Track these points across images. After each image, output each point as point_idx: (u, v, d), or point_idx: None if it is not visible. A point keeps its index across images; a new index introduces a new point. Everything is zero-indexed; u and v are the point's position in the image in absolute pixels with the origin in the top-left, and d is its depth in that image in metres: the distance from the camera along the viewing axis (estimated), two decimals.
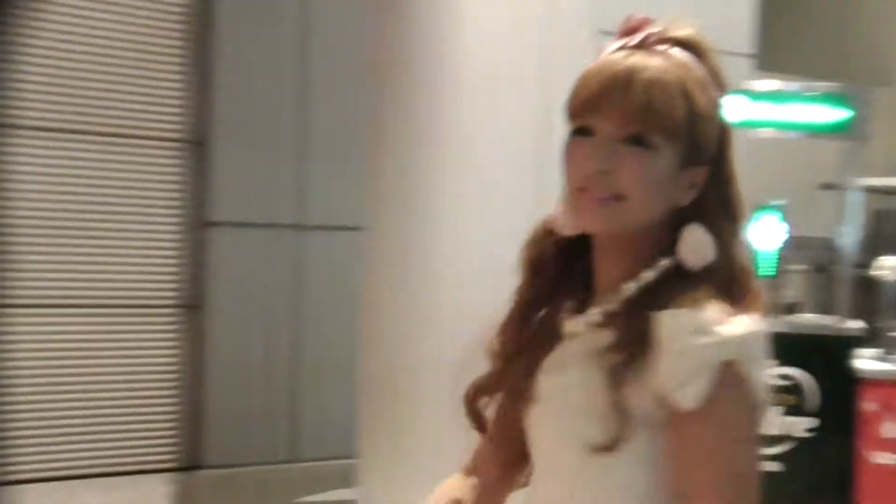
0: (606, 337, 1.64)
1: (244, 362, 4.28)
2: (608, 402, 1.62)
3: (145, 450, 4.43)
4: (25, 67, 4.09)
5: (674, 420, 1.53)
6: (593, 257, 1.64)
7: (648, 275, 1.61)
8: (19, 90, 4.08)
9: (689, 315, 1.55)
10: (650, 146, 1.60)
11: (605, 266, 1.64)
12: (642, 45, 1.62)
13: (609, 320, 1.62)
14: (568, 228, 1.64)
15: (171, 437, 4.50)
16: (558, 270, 1.68)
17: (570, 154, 1.59)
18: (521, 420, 1.65)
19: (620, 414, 1.59)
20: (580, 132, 1.59)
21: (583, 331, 1.65)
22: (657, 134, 1.60)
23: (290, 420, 4.37)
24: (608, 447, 1.61)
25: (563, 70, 3.87)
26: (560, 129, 4.00)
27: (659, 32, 1.63)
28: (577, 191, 1.59)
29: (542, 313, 1.68)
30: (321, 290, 4.46)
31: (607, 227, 1.60)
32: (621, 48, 1.61)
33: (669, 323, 1.55)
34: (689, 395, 1.50)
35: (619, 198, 1.58)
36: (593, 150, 1.59)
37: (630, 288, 1.62)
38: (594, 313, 1.63)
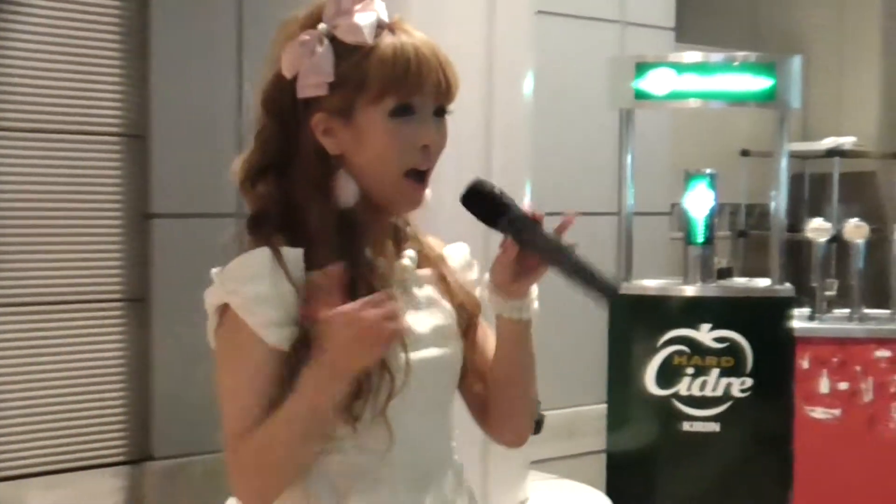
0: (435, 277, 1.90)
1: (190, 353, 4.24)
2: (455, 332, 1.90)
3: (94, 444, 4.36)
4: None
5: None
6: (362, 212, 1.78)
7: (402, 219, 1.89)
8: None
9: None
10: (446, 113, 1.80)
11: (379, 217, 1.82)
12: (393, 26, 1.77)
13: (425, 262, 1.89)
14: (349, 199, 1.77)
15: (119, 430, 4.44)
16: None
17: (395, 133, 1.73)
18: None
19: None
20: (403, 111, 1.73)
21: (412, 271, 1.86)
22: (452, 102, 1.80)
23: None
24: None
25: (507, 54, 4.02)
26: (506, 123, 4.08)
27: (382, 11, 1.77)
28: (406, 174, 1.76)
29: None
30: None
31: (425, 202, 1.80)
32: (383, 25, 1.75)
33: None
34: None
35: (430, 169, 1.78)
36: (423, 127, 1.76)
37: (413, 228, 1.90)
38: (412, 257, 1.87)
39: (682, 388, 4.88)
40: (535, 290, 1.85)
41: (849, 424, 4.88)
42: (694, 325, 4.88)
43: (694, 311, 4.91)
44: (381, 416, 1.74)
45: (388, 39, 1.73)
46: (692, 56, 5.08)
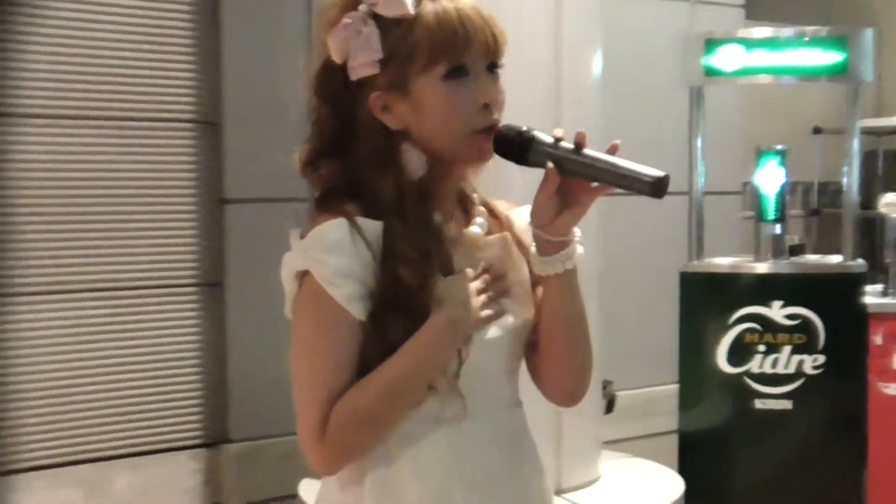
0: (501, 242, 1.89)
1: (265, 336, 4.32)
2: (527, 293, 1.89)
3: (172, 427, 4.47)
4: (36, 56, 4.16)
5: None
6: (430, 180, 1.80)
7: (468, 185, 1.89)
8: (32, 79, 4.16)
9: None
10: (498, 68, 1.80)
11: (446, 184, 1.83)
12: None
13: (494, 226, 1.89)
14: (420, 170, 1.79)
15: (197, 413, 4.53)
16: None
17: (453, 96, 1.74)
18: None
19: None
20: (455, 73, 1.74)
21: (481, 239, 1.86)
22: (502, 57, 1.80)
23: None
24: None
25: (575, 33, 3.98)
26: (575, 100, 4.05)
27: None
28: (472, 132, 1.76)
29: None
30: None
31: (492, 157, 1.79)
32: None
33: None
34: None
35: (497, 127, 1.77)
36: (479, 86, 1.77)
37: (479, 195, 1.90)
38: (481, 221, 1.87)
39: (754, 365, 4.86)
40: (577, 232, 1.81)
41: None
42: (765, 303, 4.85)
43: (765, 288, 4.89)
44: (454, 386, 1.76)
45: (428, 7, 1.74)
46: (762, 31, 5.04)
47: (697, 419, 4.96)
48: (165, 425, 4.47)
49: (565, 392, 1.94)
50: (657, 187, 1.69)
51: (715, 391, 4.94)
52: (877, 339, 4.83)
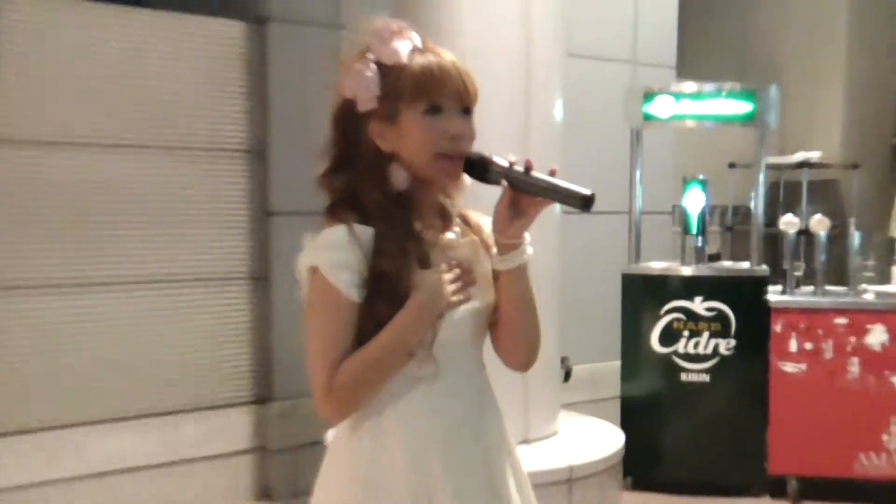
0: (471, 244, 1.90)
1: (300, 317, 4.38)
2: (489, 283, 1.90)
3: (229, 388, 4.64)
4: (129, 97, 4.30)
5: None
6: (413, 194, 1.81)
7: (448, 201, 1.90)
8: (129, 113, 4.27)
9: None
10: (471, 113, 1.83)
11: (427, 198, 1.84)
12: (426, 47, 1.82)
13: (466, 232, 1.89)
14: (402, 184, 1.79)
15: (248, 377, 4.69)
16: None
17: (428, 127, 1.76)
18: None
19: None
20: (432, 110, 1.77)
21: (455, 242, 1.86)
22: (474, 104, 1.82)
23: None
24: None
25: (542, 88, 4.11)
26: (541, 139, 3.99)
27: (422, 37, 1.83)
28: (437, 156, 1.77)
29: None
30: None
31: (461, 177, 1.83)
32: (416, 49, 1.80)
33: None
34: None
35: (464, 155, 1.80)
36: (450, 121, 1.77)
37: (456, 208, 1.90)
38: (456, 230, 1.88)
39: (680, 347, 4.93)
40: (527, 236, 1.84)
41: (813, 377, 4.84)
42: (690, 298, 4.93)
43: (690, 287, 4.97)
44: (429, 353, 1.80)
45: (418, 59, 1.80)
46: (689, 86, 5.14)
47: (636, 388, 5.03)
48: (224, 387, 4.65)
49: (519, 361, 1.96)
50: (586, 203, 1.72)
51: (649, 366, 5.00)
52: (777, 328, 4.87)
